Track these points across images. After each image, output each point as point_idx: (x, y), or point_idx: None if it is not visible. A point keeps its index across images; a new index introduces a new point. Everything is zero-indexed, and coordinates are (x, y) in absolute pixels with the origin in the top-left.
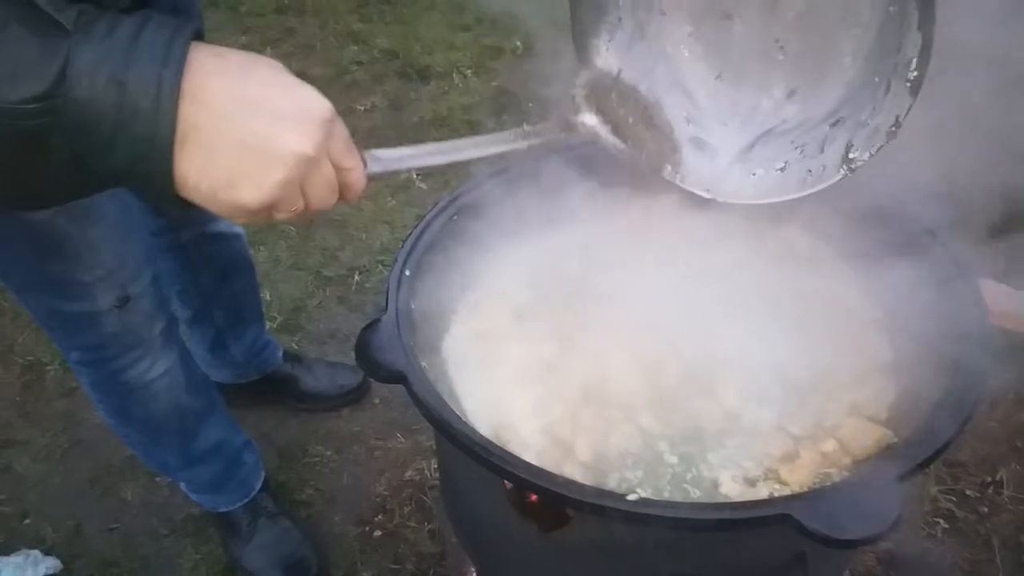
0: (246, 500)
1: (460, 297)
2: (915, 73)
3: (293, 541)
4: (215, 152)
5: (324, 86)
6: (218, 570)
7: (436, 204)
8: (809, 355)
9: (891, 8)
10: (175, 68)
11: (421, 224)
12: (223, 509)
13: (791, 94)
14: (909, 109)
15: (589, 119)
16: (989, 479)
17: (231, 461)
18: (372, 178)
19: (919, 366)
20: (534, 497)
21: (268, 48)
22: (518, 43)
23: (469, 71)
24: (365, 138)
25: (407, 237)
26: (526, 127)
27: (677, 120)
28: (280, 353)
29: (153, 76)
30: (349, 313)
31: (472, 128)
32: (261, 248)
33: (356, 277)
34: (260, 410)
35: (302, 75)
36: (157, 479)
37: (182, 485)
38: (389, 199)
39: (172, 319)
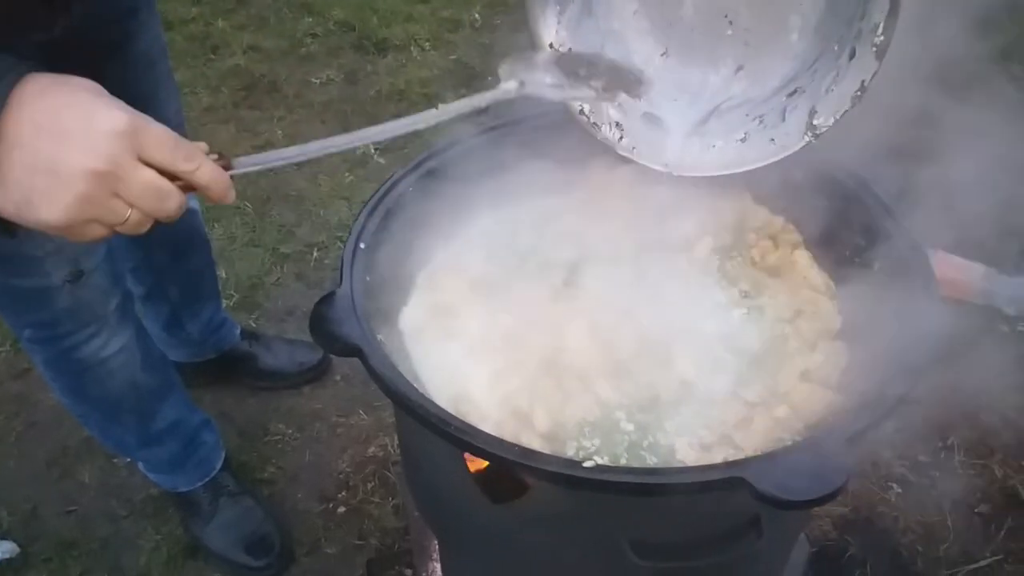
0: (206, 480)
1: (417, 269)
2: (881, 38)
3: (255, 519)
4: (9, 176)
5: (278, 59)
6: (179, 550)
7: (391, 177)
8: (761, 323)
9: None
10: None
11: (376, 196)
12: (183, 489)
13: (739, 70)
14: (875, 74)
15: (548, 78)
16: (941, 444)
17: (190, 440)
18: (237, 176)
19: (869, 332)
20: (489, 466)
21: (220, 20)
22: (476, 15)
23: (427, 44)
24: (321, 112)
25: (362, 209)
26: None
27: (628, 97)
28: (237, 331)
29: None
30: (307, 290)
31: (429, 102)
32: (216, 225)
33: (314, 253)
34: (218, 389)
35: (255, 47)
36: (115, 460)
37: (140, 465)
38: (347, 174)
39: (127, 295)
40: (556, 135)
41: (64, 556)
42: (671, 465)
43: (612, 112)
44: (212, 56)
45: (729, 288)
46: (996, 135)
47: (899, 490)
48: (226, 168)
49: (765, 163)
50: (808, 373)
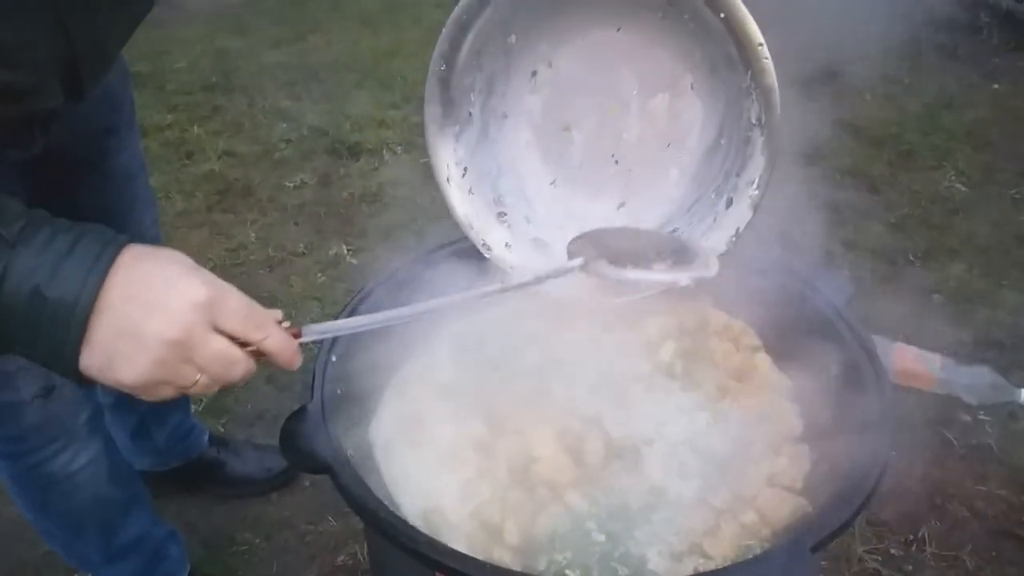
0: None
1: (387, 379)
2: (756, 192)
3: None
4: (96, 337)
5: (252, 163)
6: None
7: (361, 290)
8: (726, 427)
9: (721, 140)
10: (94, 284)
11: (348, 307)
12: None
13: (621, 206)
14: (749, 222)
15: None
16: (911, 537)
17: (154, 554)
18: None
19: (830, 435)
20: None
21: (195, 126)
22: None
23: (399, 148)
24: (295, 214)
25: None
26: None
27: (518, 220)
28: (205, 437)
29: (73, 293)
30: (278, 393)
31: (401, 204)
32: None
33: None
34: (184, 498)
35: (229, 153)
36: None
37: None
38: (319, 275)
39: (98, 407)
40: None
41: None
42: None
43: (503, 233)
44: (187, 161)
45: (693, 392)
46: None
47: None
48: (296, 336)
49: (642, 295)
50: (773, 477)
